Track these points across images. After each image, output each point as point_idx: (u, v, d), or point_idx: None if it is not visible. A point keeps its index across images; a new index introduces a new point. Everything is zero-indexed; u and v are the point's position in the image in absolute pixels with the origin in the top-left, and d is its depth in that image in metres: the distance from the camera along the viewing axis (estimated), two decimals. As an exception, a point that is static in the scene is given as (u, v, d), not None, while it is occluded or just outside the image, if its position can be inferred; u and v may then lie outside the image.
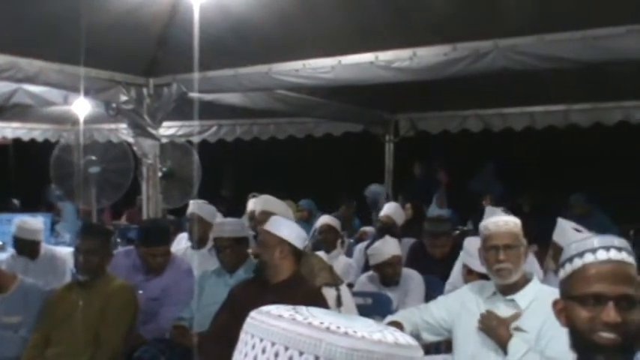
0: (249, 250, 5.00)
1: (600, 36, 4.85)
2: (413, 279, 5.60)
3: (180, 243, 6.56)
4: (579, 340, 1.96)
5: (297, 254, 4.11)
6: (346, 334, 1.02)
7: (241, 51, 6.01)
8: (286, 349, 1.03)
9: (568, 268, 2.00)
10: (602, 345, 1.90)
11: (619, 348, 1.89)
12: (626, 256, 1.96)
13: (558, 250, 4.08)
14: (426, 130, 10.06)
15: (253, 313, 1.10)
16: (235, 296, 4.14)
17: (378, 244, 5.74)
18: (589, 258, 1.95)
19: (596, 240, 2.00)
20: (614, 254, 1.94)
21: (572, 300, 1.97)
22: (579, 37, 4.92)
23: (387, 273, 5.58)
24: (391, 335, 1.06)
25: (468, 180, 11.26)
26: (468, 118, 9.53)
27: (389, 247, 5.61)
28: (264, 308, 1.10)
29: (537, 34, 5.05)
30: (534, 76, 6.21)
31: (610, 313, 1.87)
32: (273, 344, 1.04)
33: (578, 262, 1.97)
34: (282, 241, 4.03)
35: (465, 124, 9.60)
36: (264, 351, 1.04)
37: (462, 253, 4.99)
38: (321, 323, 1.03)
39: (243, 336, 1.09)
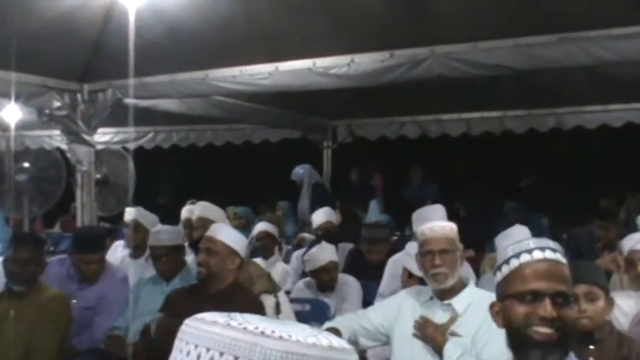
0: (186, 258, 4.95)
1: (533, 44, 4.95)
2: (349, 285, 5.60)
3: (116, 251, 6.45)
4: (516, 337, 1.99)
5: (240, 265, 4.07)
6: (281, 337, 1.02)
7: (178, 57, 5.96)
8: (221, 354, 1.02)
9: (505, 270, 2.04)
10: (538, 340, 1.93)
11: (554, 343, 1.93)
12: (560, 257, 2.01)
13: None
14: (364, 136, 10.11)
15: (188, 321, 1.09)
16: (172, 305, 4.07)
17: (314, 250, 5.73)
18: (525, 258, 2.00)
19: (531, 241, 2.06)
20: (549, 254, 2.00)
21: (509, 298, 2.01)
22: (513, 44, 5.02)
23: (324, 279, 5.58)
24: (325, 339, 1.06)
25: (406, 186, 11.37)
26: (405, 124, 9.63)
27: (325, 253, 5.60)
28: (199, 315, 1.09)
29: (472, 41, 5.12)
30: (470, 83, 6.30)
31: (547, 308, 1.91)
32: (208, 350, 1.03)
33: (515, 263, 2.02)
34: (233, 252, 3.97)
35: (402, 131, 9.69)
36: (199, 357, 1.03)
37: (398, 257, 5.02)
38: (256, 328, 1.04)
39: (177, 343, 1.08)
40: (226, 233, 4.06)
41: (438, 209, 5.40)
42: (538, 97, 7.95)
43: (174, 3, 5.13)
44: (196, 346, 1.05)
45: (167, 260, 4.70)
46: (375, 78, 5.57)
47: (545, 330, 1.92)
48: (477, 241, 7.18)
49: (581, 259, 5.03)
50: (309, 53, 5.69)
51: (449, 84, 6.19)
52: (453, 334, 3.34)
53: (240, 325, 1.04)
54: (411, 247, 4.75)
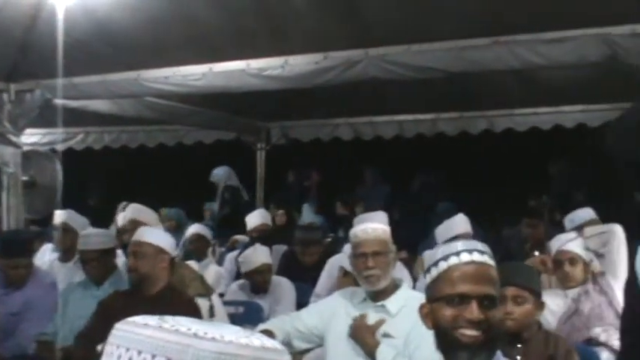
0: (117, 261, 4.87)
1: (466, 47, 5.02)
2: (283, 287, 5.61)
3: (45, 254, 6.31)
4: (444, 340, 2.02)
5: (172, 264, 4.04)
6: (213, 339, 1.03)
7: (109, 56, 5.85)
8: (153, 356, 1.02)
9: (434, 272, 2.07)
10: (465, 342, 1.97)
11: (481, 345, 1.97)
12: (488, 259, 2.04)
13: None
14: (298, 138, 10.11)
15: (118, 324, 1.08)
16: (106, 309, 4.00)
17: (248, 252, 5.72)
18: (453, 260, 2.03)
19: (459, 244, 2.08)
20: (476, 256, 2.02)
21: (438, 301, 2.04)
22: (446, 47, 5.08)
23: (257, 281, 5.57)
24: (258, 340, 1.07)
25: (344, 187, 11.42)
26: (339, 126, 9.65)
27: (259, 256, 5.60)
28: (130, 319, 1.08)
29: (406, 44, 5.17)
30: (404, 86, 6.35)
31: (473, 311, 1.94)
32: (139, 352, 1.03)
33: (443, 265, 2.04)
34: (161, 251, 3.94)
35: (336, 132, 9.71)
36: None
37: (337, 258, 5.05)
38: (188, 330, 1.04)
39: (107, 348, 1.07)
40: (152, 234, 4.04)
41: (380, 215, 5.49)
42: (470, 99, 8.06)
43: (105, 2, 5.04)
44: (127, 349, 1.04)
45: (97, 264, 4.62)
46: (309, 80, 5.56)
47: (471, 332, 1.95)
48: (411, 242, 7.26)
49: (510, 260, 5.13)
50: (243, 54, 5.65)
51: (382, 86, 6.23)
52: (386, 335, 3.37)
53: (173, 328, 1.04)
54: (349, 248, 4.80)
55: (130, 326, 1.06)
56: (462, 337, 1.96)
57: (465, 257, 2.02)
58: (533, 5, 4.64)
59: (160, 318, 1.07)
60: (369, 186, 10.90)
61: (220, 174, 10.55)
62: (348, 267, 4.54)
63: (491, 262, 2.05)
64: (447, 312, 1.99)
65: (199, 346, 1.02)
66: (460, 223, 5.96)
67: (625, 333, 2.28)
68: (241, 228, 8.05)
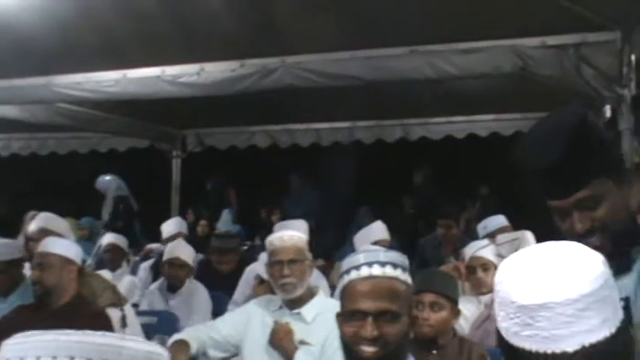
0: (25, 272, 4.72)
1: (382, 56, 5.07)
2: (199, 293, 5.60)
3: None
4: (348, 353, 2.05)
5: (80, 274, 3.94)
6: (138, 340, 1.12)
7: (17, 61, 5.67)
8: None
9: (340, 284, 2.13)
10: (365, 358, 1.99)
11: (380, 359, 1.98)
12: (390, 270, 2.04)
13: None
14: (214, 145, 10.02)
15: (10, 340, 1.11)
16: (7, 324, 3.84)
17: (174, 243, 5.86)
18: (353, 275, 2.05)
19: (362, 256, 2.08)
20: (376, 270, 2.03)
21: (341, 316, 2.06)
22: (362, 56, 5.12)
23: (171, 274, 5.59)
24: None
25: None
26: (255, 134, 9.61)
27: (180, 249, 5.66)
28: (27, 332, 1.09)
29: (322, 52, 5.19)
30: (321, 94, 6.37)
31: (367, 329, 1.97)
32: (72, 359, 1.03)
33: (345, 279, 2.07)
34: (67, 261, 3.83)
35: (252, 140, 9.67)
36: None
37: (254, 266, 5.03)
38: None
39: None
40: (57, 244, 3.93)
41: (298, 223, 5.50)
42: (386, 108, 8.14)
43: (12, 4, 4.88)
44: (54, 358, 1.04)
45: (3, 276, 4.46)
46: (226, 87, 5.53)
47: (369, 349, 1.98)
48: (328, 250, 7.29)
49: (426, 267, 5.20)
50: (158, 61, 5.59)
51: (299, 94, 6.24)
52: (303, 342, 3.37)
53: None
54: (265, 256, 4.79)
55: (49, 336, 1.07)
56: (361, 353, 1.99)
57: (365, 272, 2.03)
58: (448, 17, 4.72)
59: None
60: (295, 192, 10.89)
61: (107, 183, 10.33)
62: (264, 275, 4.53)
63: (395, 272, 2.05)
64: (348, 328, 2.02)
65: (133, 346, 1.05)
66: (377, 230, 6.02)
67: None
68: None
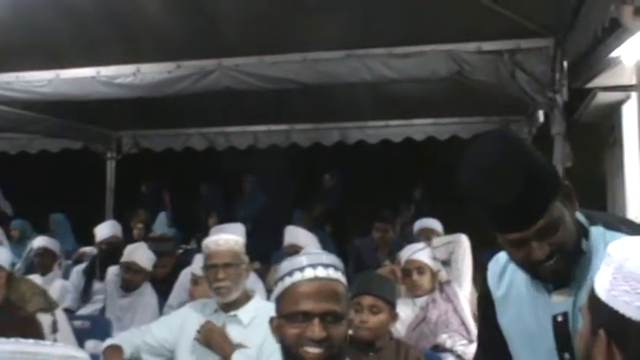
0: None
1: (320, 59, 5.08)
2: (150, 297, 5.58)
3: None
4: (290, 356, 2.04)
5: (9, 280, 3.85)
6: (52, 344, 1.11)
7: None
8: None
9: (280, 287, 2.08)
10: (309, 359, 1.98)
11: None
12: (333, 273, 2.05)
13: None
14: (150, 147, 9.90)
15: None
16: None
17: (134, 245, 5.85)
18: (297, 276, 2.03)
19: (305, 258, 2.08)
20: (320, 272, 2.03)
21: (284, 318, 2.04)
22: (300, 59, 5.13)
23: (125, 278, 5.54)
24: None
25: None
26: (192, 136, 9.54)
27: (136, 253, 5.64)
28: None
29: (260, 54, 5.18)
30: (258, 96, 6.35)
31: (314, 329, 1.96)
32: None
33: (288, 281, 2.05)
34: None
35: (188, 143, 9.60)
36: None
37: (189, 269, 4.99)
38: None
39: None
40: None
41: (235, 227, 5.47)
42: (324, 111, 8.16)
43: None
44: None
45: None
46: (162, 88, 5.48)
47: (314, 350, 1.97)
48: (264, 253, 7.26)
49: (363, 270, 5.23)
50: (93, 61, 5.50)
51: (236, 96, 6.21)
52: (240, 345, 3.36)
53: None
54: (199, 258, 4.77)
55: None
56: (305, 355, 1.98)
57: (309, 273, 2.03)
58: (386, 21, 4.76)
59: None
60: (247, 194, 10.82)
61: None
62: (199, 272, 4.51)
63: (337, 274, 2.06)
64: (291, 330, 2.00)
65: (48, 351, 1.05)
66: (299, 232, 6.05)
67: (483, 348, 2.36)
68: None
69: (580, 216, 1.98)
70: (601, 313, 1.40)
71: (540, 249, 1.87)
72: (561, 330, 1.98)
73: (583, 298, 1.85)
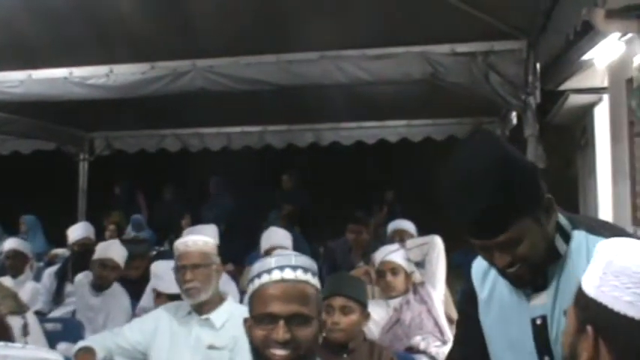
0: None
1: (294, 60, 5.08)
2: (123, 298, 5.52)
3: None
4: (258, 357, 2.04)
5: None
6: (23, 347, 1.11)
7: None
8: None
9: (251, 288, 2.09)
10: None
11: None
12: (301, 274, 2.05)
13: None
14: (123, 148, 9.85)
15: None
16: None
17: (108, 242, 5.88)
18: (265, 278, 2.04)
19: (273, 260, 2.09)
20: (287, 273, 2.03)
21: (252, 319, 2.05)
22: (273, 60, 5.13)
23: (98, 275, 5.48)
24: None
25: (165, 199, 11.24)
26: (165, 137, 9.51)
27: (112, 249, 5.62)
28: None
29: (234, 56, 5.17)
30: (232, 98, 6.34)
31: (279, 332, 1.97)
32: None
33: (256, 283, 2.06)
34: None
35: (162, 144, 9.56)
36: None
37: (152, 279, 4.97)
38: None
39: None
40: None
41: (208, 228, 5.45)
42: (298, 112, 8.17)
43: None
44: None
45: None
46: (135, 89, 5.45)
47: (280, 352, 1.98)
48: (238, 254, 7.25)
49: (336, 271, 5.23)
50: (66, 62, 5.46)
51: (210, 98, 6.20)
52: (212, 347, 3.35)
53: None
54: (156, 266, 4.84)
55: None
56: (271, 357, 1.99)
57: (276, 275, 2.03)
58: (360, 23, 4.77)
59: None
60: (213, 196, 10.78)
61: None
62: (160, 287, 4.50)
63: (305, 276, 2.06)
64: (259, 331, 2.01)
65: (17, 354, 1.05)
66: (277, 234, 6.06)
67: (460, 345, 2.37)
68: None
69: (563, 219, 2.01)
70: (589, 309, 1.43)
71: (501, 258, 1.93)
72: (540, 333, 2.00)
73: (562, 301, 1.88)
